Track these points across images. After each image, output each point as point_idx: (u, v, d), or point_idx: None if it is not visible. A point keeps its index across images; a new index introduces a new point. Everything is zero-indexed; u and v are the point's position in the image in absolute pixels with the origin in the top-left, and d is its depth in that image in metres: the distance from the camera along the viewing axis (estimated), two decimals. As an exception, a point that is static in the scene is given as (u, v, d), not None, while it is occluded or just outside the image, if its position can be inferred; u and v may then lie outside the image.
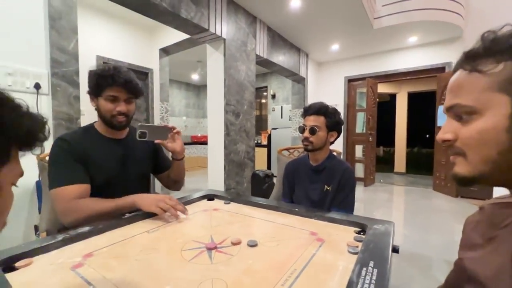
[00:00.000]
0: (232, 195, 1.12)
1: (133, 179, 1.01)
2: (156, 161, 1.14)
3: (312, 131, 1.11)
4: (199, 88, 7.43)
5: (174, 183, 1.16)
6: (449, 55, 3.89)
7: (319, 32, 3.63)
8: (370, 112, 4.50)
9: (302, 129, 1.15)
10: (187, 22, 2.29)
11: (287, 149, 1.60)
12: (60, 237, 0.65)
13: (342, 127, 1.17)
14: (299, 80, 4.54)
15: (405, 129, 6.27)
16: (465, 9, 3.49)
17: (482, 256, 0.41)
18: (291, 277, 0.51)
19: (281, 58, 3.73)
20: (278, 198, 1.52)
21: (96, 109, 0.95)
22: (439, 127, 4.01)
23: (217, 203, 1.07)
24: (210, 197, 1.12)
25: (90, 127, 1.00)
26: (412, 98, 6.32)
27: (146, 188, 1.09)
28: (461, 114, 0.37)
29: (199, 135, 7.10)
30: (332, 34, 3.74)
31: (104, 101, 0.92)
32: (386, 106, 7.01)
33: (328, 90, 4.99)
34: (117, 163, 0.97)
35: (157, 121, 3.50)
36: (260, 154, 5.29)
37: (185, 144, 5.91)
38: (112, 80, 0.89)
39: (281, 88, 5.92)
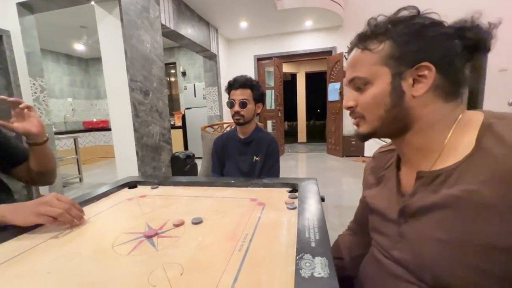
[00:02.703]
0: (159, 178, 1.02)
1: None
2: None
3: (243, 104, 1.11)
4: (87, 62, 6.04)
5: (41, 176, 0.85)
6: (335, 40, 4.67)
7: (226, 6, 3.55)
8: (277, 90, 4.93)
9: (231, 104, 1.13)
10: (61, -30, 1.75)
11: (211, 126, 1.56)
12: None
13: None
14: (211, 57, 4.40)
15: (304, 105, 7.28)
16: (344, 1, 4.20)
17: (376, 192, 0.55)
18: (245, 241, 0.52)
19: (190, 31, 3.47)
20: (207, 175, 1.50)
21: None
22: (330, 102, 4.88)
23: (142, 189, 0.94)
24: (132, 185, 0.97)
25: None
26: (309, 77, 7.31)
27: (1, 189, 0.79)
28: (359, 85, 0.46)
29: (94, 120, 5.91)
30: (239, 10, 3.74)
31: None
32: (288, 85, 7.84)
33: (239, 68, 5.08)
34: None
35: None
36: (176, 136, 4.97)
37: (77, 132, 4.83)
38: None
39: (192, 65, 5.59)
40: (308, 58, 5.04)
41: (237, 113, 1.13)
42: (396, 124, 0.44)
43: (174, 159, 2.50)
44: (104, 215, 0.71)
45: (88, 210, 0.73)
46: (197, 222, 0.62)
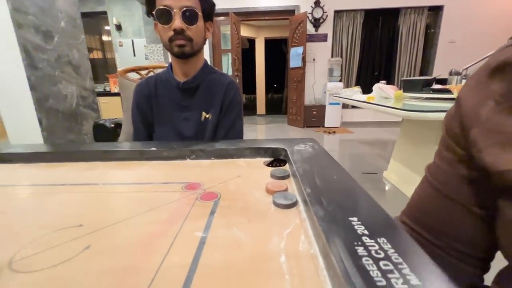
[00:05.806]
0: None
1: None
2: None
3: (190, 16, 0.61)
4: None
5: None
6: (298, -1, 4.19)
7: None
8: (235, 52, 4.33)
9: (166, 15, 0.60)
10: None
11: (135, 70, 1.01)
12: None
13: None
14: (152, 4, 3.52)
15: (264, 77, 6.86)
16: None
17: None
18: None
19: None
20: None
21: None
22: (292, 68, 4.51)
23: None
24: None
25: None
26: (268, 45, 6.77)
27: None
28: None
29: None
30: None
31: None
32: (246, 55, 7.23)
33: (190, 25, 4.28)
34: None
35: None
36: (112, 106, 4.08)
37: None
38: None
39: (129, 17, 4.52)
40: (269, 18, 4.50)
41: (180, 32, 0.62)
42: None
43: (98, 128, 1.86)
44: None
45: None
46: None
